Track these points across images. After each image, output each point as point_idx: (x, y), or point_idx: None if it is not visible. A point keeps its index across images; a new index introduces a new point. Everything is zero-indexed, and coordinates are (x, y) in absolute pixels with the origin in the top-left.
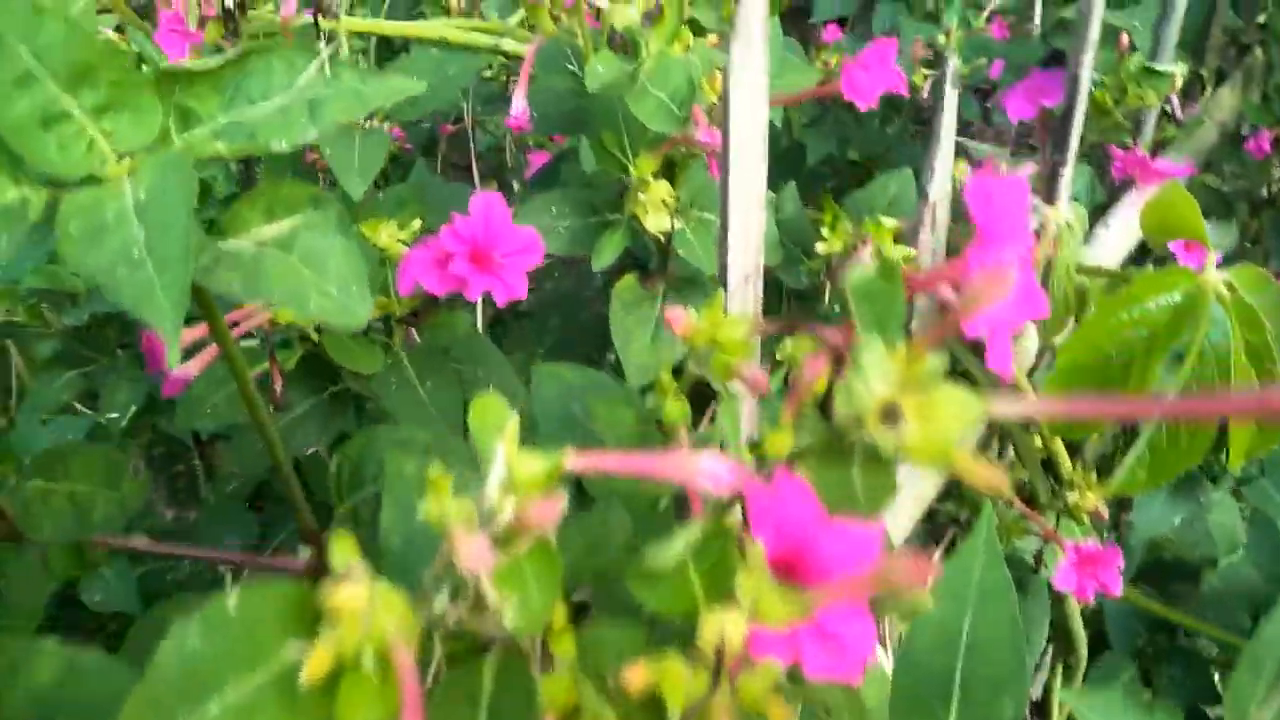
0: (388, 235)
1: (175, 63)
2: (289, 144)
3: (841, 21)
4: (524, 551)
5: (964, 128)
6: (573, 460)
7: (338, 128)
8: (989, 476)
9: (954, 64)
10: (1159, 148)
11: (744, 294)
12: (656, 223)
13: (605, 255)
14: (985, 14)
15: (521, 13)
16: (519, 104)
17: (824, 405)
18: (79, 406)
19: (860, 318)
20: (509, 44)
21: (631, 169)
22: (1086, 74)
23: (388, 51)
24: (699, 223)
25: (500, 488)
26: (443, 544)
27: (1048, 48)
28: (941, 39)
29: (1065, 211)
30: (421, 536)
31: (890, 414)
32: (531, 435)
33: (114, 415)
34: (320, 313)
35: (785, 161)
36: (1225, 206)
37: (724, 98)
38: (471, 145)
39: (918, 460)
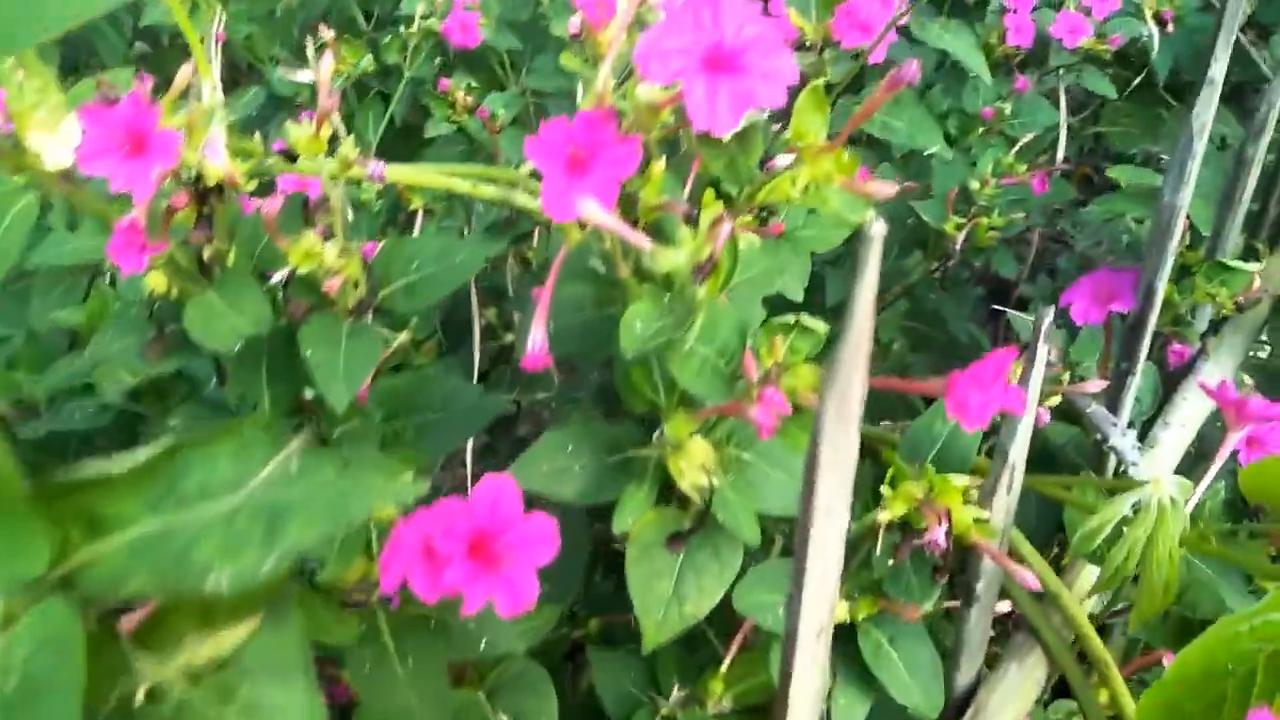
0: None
1: (75, 472)
2: (234, 584)
3: None
4: None
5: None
6: None
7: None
8: None
9: (1047, 321)
10: (1214, 328)
11: (814, 651)
12: (693, 480)
13: (628, 515)
14: (1015, 149)
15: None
16: (536, 337)
17: None
18: None
19: None
20: (522, 198)
21: (664, 417)
22: (1162, 284)
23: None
24: (740, 474)
25: None
26: None
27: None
28: (975, 185)
29: (1170, 485)
30: None
31: None
32: None
33: None
34: None
35: None
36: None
37: (812, 451)
38: (474, 328)
39: None
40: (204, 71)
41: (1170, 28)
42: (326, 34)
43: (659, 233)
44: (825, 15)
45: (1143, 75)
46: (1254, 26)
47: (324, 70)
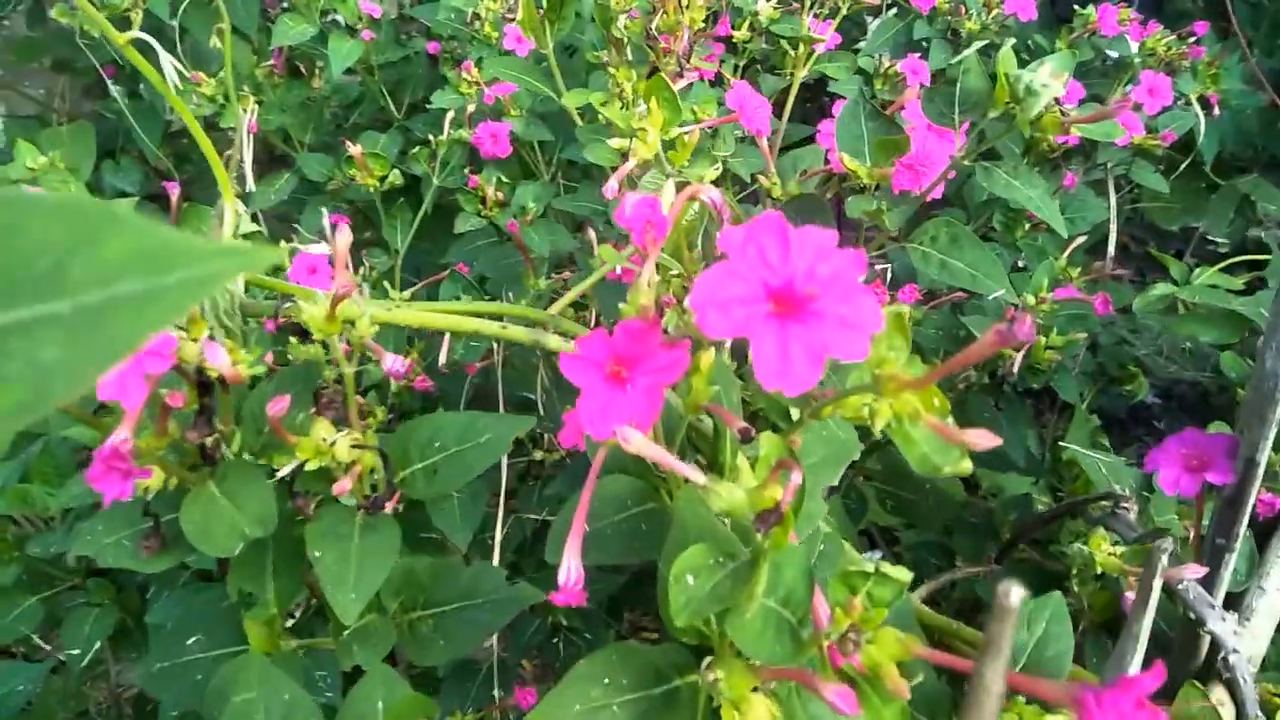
0: None
1: None
2: None
3: None
4: None
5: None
6: None
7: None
8: None
9: (1164, 555)
10: None
11: None
12: None
13: None
14: (1067, 253)
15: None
16: (570, 567)
17: None
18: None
19: None
20: (553, 340)
21: (716, 653)
22: (1264, 458)
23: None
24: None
25: None
26: None
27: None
28: (1031, 300)
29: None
30: None
31: None
32: None
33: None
34: None
35: None
36: None
37: None
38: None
39: None
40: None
41: (1216, 111)
42: (354, 150)
43: (710, 441)
44: (881, 159)
45: (1190, 156)
46: None
47: (340, 244)
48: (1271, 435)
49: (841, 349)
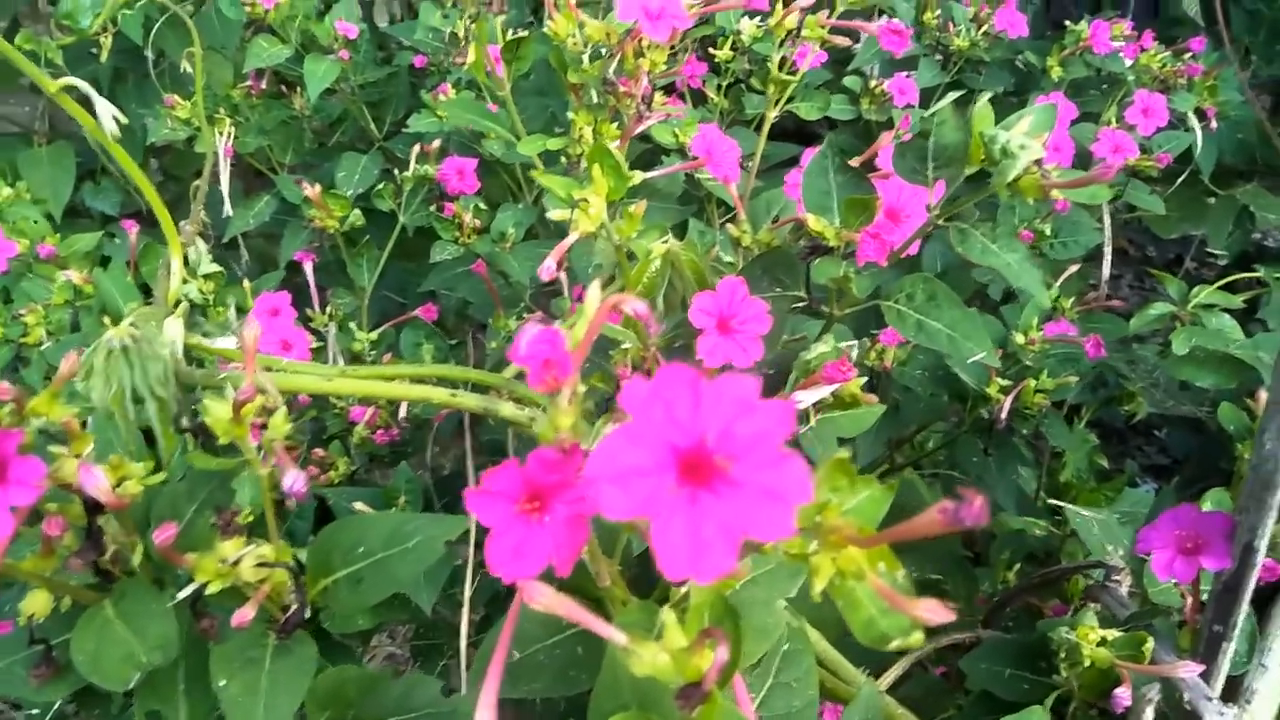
0: None
1: None
2: None
3: None
4: None
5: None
6: None
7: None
8: None
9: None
10: None
11: None
12: None
13: None
14: (1059, 283)
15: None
16: (486, 701)
17: None
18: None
19: None
20: (506, 409)
21: None
22: (1264, 544)
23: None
24: None
25: None
26: None
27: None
28: (1020, 340)
29: None
30: None
31: None
32: None
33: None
34: None
35: None
36: None
37: None
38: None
39: None
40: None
41: (1214, 124)
42: (309, 190)
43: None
44: (850, 219)
45: (1188, 168)
46: None
47: (248, 339)
48: (1271, 520)
49: (761, 527)
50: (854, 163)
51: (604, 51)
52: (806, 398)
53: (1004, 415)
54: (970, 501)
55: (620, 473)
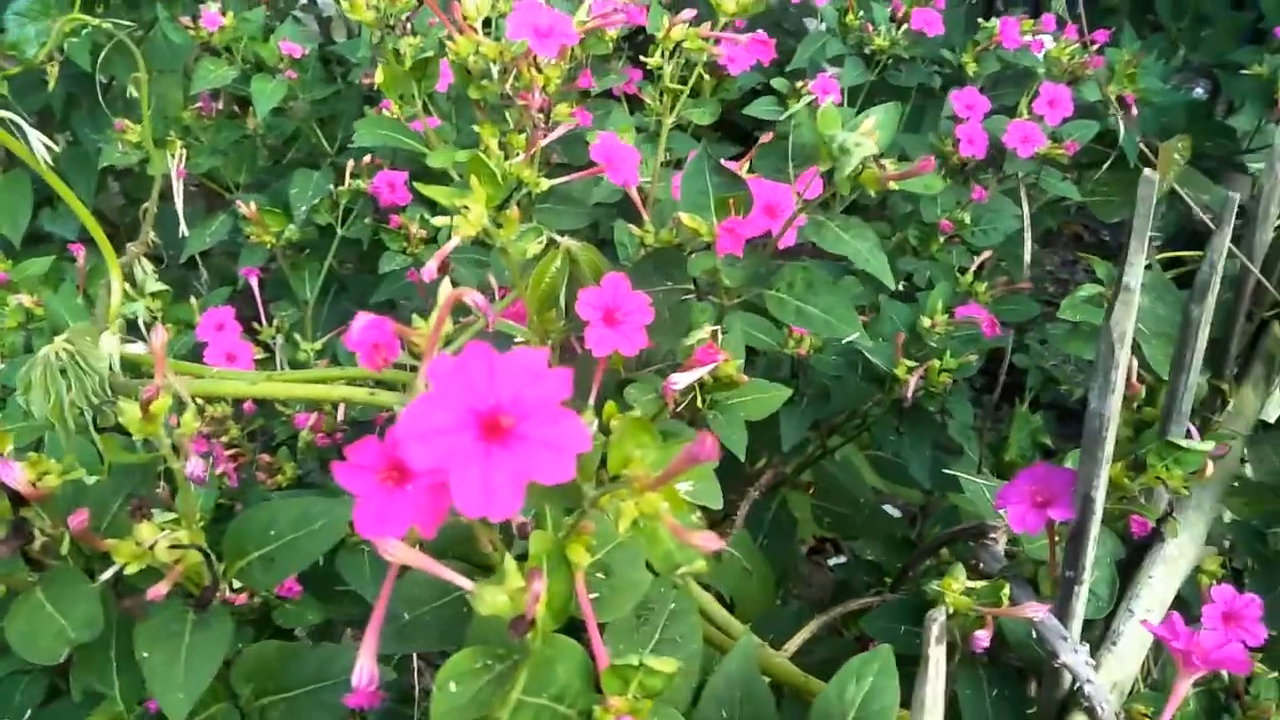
0: None
1: None
2: None
3: None
4: None
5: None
6: None
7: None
8: None
9: (935, 625)
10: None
11: None
12: None
13: None
14: (974, 268)
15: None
16: (364, 669)
17: None
18: None
19: None
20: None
21: None
22: (1100, 494)
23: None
24: None
25: None
26: None
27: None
28: (925, 324)
29: None
30: None
31: None
32: None
33: None
34: None
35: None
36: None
37: None
38: None
39: None
40: None
41: (1135, 110)
42: (246, 209)
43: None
44: (723, 216)
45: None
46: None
47: (156, 344)
48: (1104, 471)
49: (544, 472)
50: (740, 164)
51: (495, 69)
52: (681, 379)
53: (909, 394)
54: (702, 441)
55: (425, 432)
